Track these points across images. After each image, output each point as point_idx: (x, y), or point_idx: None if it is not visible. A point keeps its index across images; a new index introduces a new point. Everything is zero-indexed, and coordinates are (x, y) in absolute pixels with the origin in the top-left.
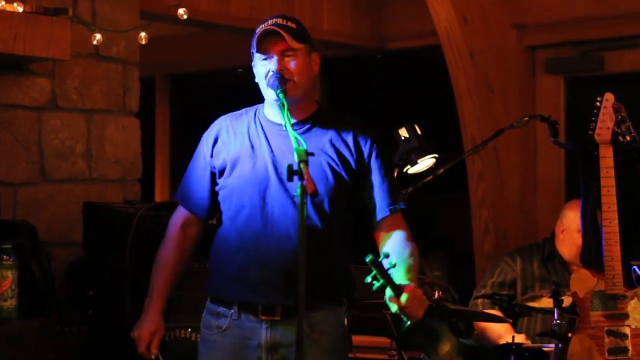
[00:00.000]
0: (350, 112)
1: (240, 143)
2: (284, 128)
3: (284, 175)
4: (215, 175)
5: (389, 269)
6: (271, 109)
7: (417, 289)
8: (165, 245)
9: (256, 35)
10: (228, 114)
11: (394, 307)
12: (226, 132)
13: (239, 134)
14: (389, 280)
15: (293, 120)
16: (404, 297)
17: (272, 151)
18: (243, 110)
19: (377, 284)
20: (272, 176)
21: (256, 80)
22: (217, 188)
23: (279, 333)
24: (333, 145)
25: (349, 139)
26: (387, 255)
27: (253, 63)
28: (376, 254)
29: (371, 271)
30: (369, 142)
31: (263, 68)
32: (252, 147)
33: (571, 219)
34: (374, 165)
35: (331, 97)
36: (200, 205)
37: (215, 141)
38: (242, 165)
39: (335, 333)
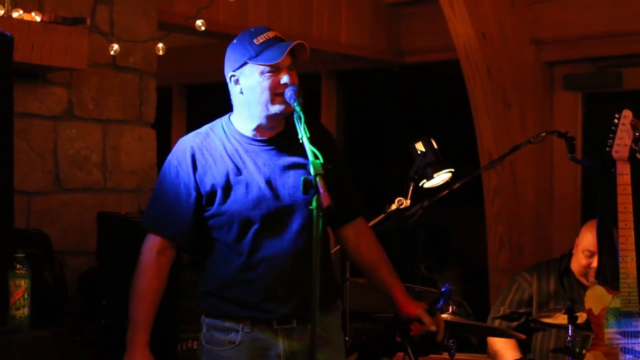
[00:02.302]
0: (367, 126)
1: (223, 166)
2: (300, 141)
3: (281, 192)
4: (202, 201)
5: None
6: (251, 123)
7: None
8: (142, 275)
9: (271, 46)
10: (193, 135)
11: (433, 328)
12: (201, 154)
13: (217, 156)
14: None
15: (265, 137)
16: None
17: (259, 169)
18: (206, 128)
19: (435, 310)
20: (269, 195)
21: (240, 92)
22: (207, 214)
23: (295, 340)
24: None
25: (323, 146)
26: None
27: (234, 74)
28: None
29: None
30: (334, 145)
31: (266, 81)
32: (237, 167)
33: (582, 237)
34: (342, 167)
35: (348, 110)
36: (183, 232)
37: (194, 166)
38: (236, 189)
39: (341, 333)
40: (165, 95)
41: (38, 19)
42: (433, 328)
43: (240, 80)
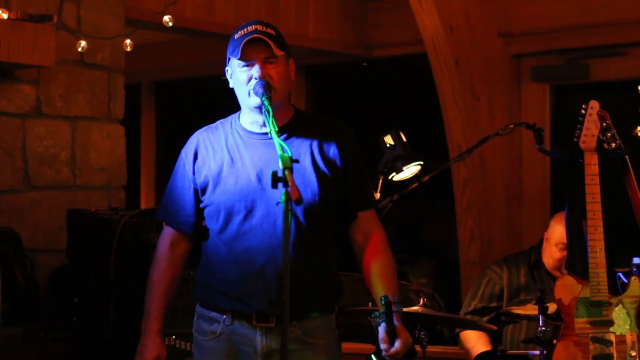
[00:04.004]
0: None
1: (220, 157)
2: (269, 135)
3: (269, 185)
4: (199, 192)
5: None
6: (249, 117)
7: (409, 336)
8: (156, 266)
9: (239, 42)
10: (204, 128)
11: (382, 346)
12: (204, 147)
13: (218, 148)
14: (390, 323)
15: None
16: (397, 343)
17: (254, 162)
18: (218, 122)
19: (379, 320)
20: (256, 187)
21: (231, 86)
22: (201, 205)
23: (274, 340)
24: (315, 149)
25: (330, 141)
26: (398, 302)
27: (228, 68)
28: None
29: (381, 309)
30: (347, 141)
31: (243, 75)
32: (232, 160)
33: (554, 230)
34: (354, 162)
35: (316, 105)
36: (187, 223)
37: (195, 158)
38: (226, 180)
39: (330, 337)
40: (134, 91)
41: (5, 16)
42: (383, 345)
43: (232, 75)
